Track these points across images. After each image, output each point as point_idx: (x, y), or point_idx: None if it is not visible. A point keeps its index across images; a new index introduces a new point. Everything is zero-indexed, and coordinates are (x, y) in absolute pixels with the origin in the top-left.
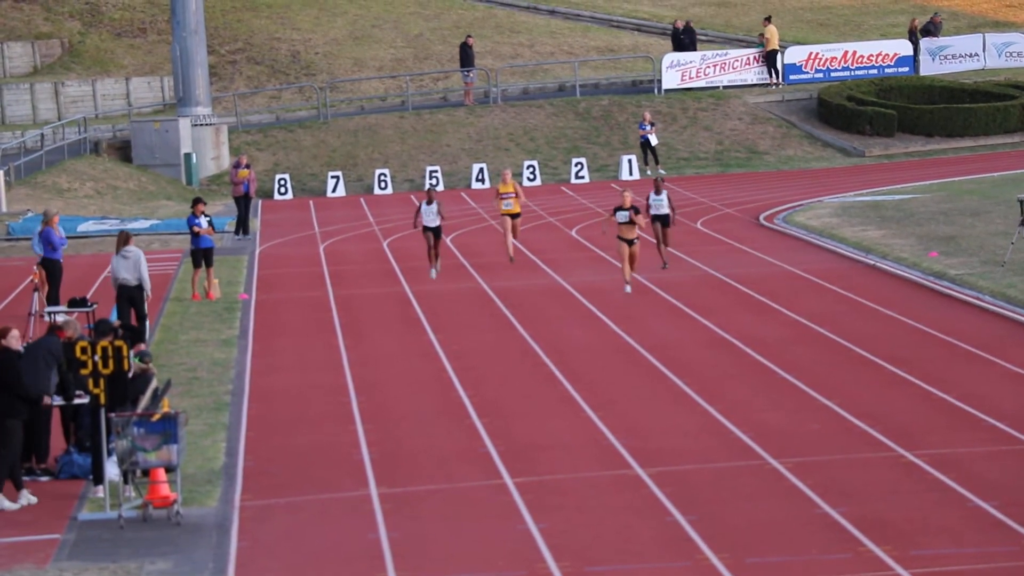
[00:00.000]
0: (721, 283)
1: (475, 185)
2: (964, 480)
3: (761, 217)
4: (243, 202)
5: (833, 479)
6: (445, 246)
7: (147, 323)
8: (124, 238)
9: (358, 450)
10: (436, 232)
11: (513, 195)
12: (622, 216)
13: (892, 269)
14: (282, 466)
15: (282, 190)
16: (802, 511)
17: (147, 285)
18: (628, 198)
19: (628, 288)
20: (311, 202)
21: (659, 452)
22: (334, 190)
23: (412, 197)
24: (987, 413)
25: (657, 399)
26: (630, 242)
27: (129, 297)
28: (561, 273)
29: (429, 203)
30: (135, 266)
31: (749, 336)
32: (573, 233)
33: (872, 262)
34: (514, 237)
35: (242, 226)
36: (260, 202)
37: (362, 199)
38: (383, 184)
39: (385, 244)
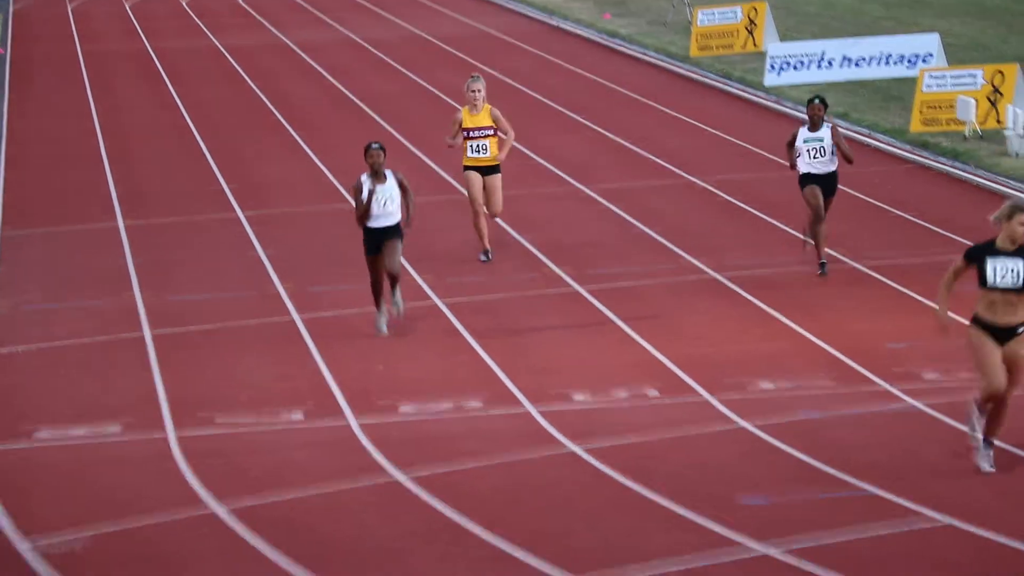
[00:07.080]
0: (426, 41)
1: None
2: (632, 210)
3: None
4: None
5: (521, 211)
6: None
7: None
8: None
9: (106, 187)
10: (393, 237)
11: (491, 132)
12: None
13: (572, 29)
14: (38, 201)
15: None
16: (496, 239)
17: None
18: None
19: None
20: None
21: None
22: None
23: None
24: (652, 152)
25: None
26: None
27: None
28: (284, 31)
29: (381, 178)
30: None
31: (451, 88)
32: None
33: (555, 23)
34: (492, 210)
35: None
36: None
37: None
38: None
39: (128, 7)
